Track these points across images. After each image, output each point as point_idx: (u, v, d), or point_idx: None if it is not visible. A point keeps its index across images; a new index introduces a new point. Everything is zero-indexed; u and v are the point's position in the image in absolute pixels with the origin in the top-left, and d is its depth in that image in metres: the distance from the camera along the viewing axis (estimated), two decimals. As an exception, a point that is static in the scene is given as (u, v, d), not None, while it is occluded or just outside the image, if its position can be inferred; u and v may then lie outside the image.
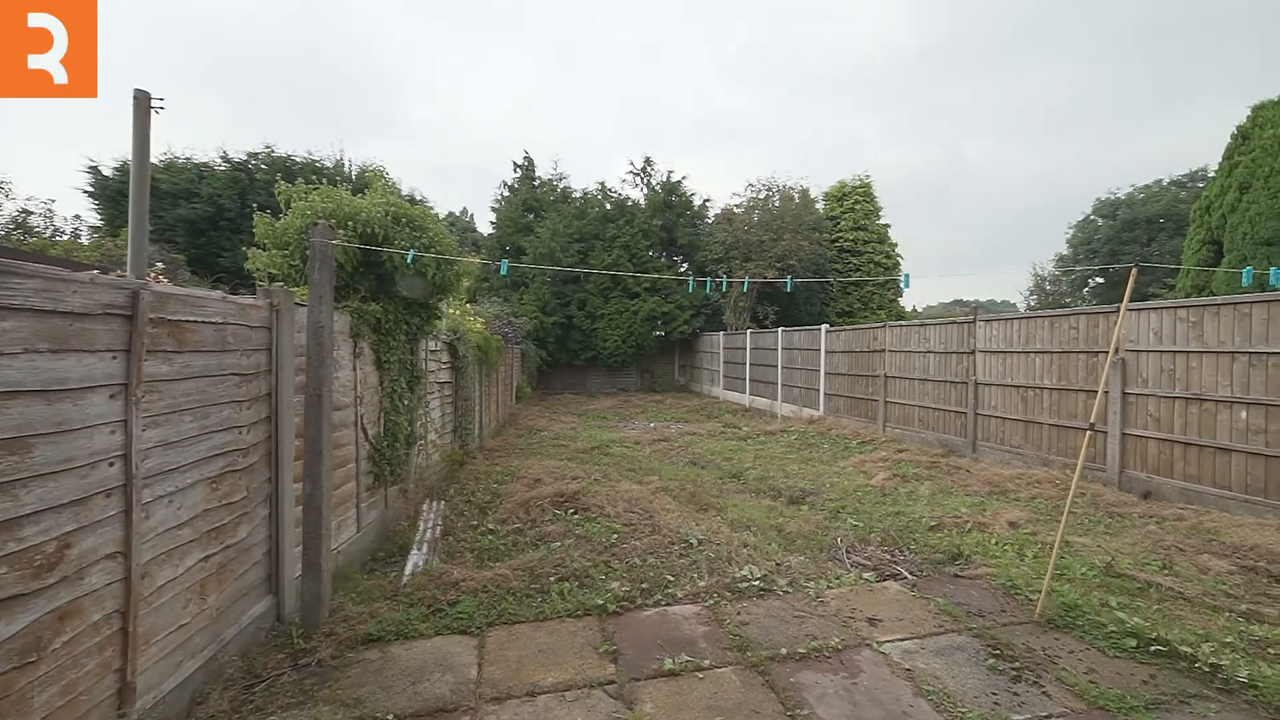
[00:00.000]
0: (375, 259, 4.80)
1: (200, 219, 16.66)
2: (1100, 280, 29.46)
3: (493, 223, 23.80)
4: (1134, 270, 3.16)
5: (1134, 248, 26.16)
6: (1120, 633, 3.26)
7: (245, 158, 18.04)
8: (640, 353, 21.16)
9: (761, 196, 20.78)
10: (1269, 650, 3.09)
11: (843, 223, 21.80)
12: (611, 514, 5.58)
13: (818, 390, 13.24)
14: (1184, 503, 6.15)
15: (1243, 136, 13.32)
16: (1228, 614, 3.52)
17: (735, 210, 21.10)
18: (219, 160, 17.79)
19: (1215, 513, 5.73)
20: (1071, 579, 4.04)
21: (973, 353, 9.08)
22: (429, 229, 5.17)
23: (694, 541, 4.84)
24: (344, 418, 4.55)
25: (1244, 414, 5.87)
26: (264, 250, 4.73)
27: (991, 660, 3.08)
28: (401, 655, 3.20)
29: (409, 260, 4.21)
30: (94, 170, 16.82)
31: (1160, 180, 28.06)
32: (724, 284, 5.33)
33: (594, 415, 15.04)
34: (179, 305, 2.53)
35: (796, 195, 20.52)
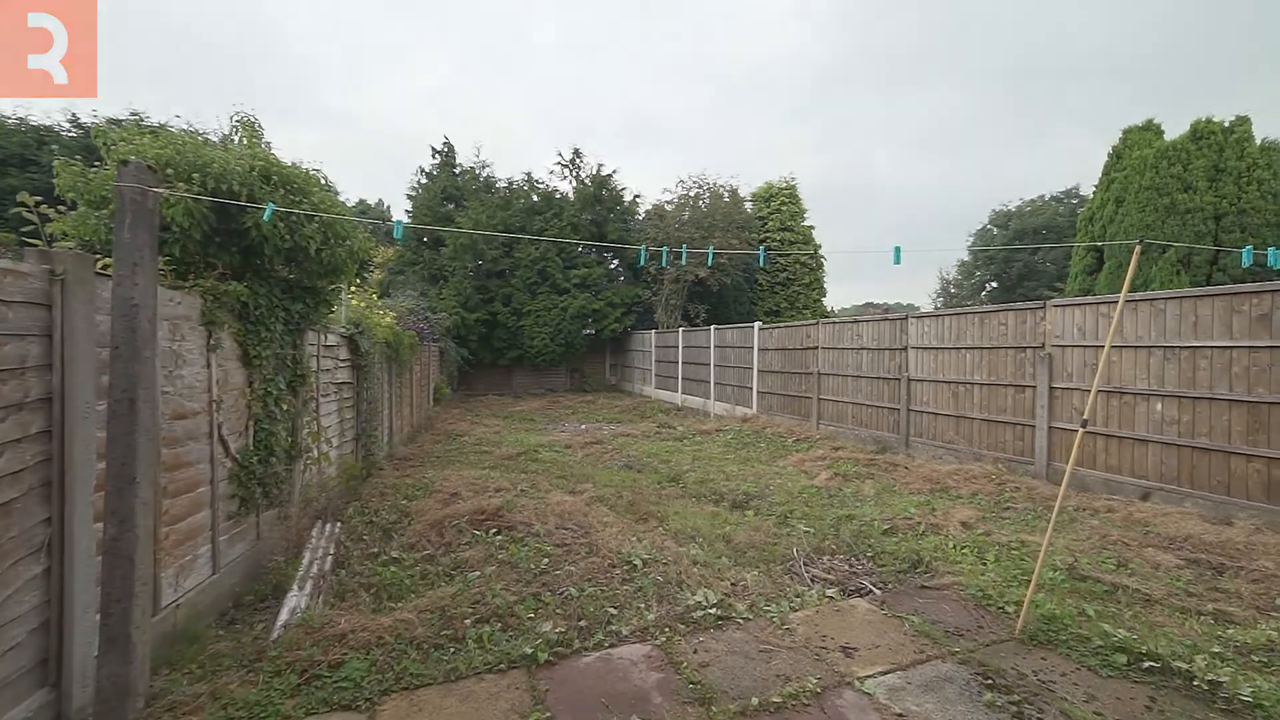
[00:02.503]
0: (237, 226, 3.78)
1: (40, 191, 13.87)
2: (995, 285, 32.15)
3: (409, 212, 21.99)
4: (1138, 247, 2.92)
5: (1024, 254, 28.62)
6: (1108, 647, 3.00)
7: (104, 124, 15.36)
8: (569, 351, 20.31)
9: (692, 194, 20.56)
10: (1253, 657, 2.92)
11: (770, 223, 22.05)
12: (541, 532, 4.84)
13: (751, 389, 13.08)
14: (1107, 493, 6.32)
15: (1117, 156, 14.78)
16: (1199, 616, 3.38)
17: (666, 207, 20.75)
18: (66, 125, 15.03)
19: (1137, 502, 5.89)
20: (1041, 584, 3.81)
21: (905, 349, 9.12)
22: (313, 194, 4.20)
23: (638, 563, 4.22)
24: (193, 428, 3.53)
25: (1159, 406, 6.08)
26: (72, 209, 3.59)
27: (988, 694, 2.69)
28: (252, 755, 2.34)
29: (265, 217, 3.26)
30: None
31: (1043, 195, 31.03)
32: (683, 256, 4.73)
33: (520, 417, 14.08)
34: None
35: (726, 194, 20.48)
